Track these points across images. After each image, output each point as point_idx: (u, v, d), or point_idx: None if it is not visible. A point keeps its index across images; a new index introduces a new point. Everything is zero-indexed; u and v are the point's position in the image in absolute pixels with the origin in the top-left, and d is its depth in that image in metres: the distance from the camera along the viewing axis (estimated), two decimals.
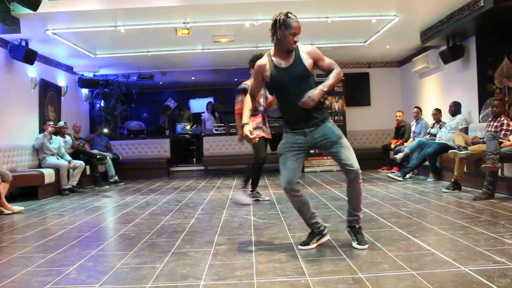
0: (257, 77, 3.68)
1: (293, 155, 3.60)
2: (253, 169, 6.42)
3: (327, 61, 3.64)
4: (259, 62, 3.64)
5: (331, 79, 3.54)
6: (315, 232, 3.73)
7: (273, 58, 3.58)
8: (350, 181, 3.59)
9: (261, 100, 6.28)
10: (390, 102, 12.26)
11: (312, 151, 3.52)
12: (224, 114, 14.80)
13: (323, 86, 3.48)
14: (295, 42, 3.46)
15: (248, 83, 6.19)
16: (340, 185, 8.11)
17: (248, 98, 3.78)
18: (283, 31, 3.42)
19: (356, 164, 3.55)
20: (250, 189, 6.43)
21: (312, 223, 3.73)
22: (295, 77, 3.53)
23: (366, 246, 3.57)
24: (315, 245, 3.68)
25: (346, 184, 3.66)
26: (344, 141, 3.61)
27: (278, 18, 3.45)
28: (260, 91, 3.78)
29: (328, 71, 3.62)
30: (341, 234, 4.15)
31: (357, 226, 3.68)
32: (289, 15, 3.46)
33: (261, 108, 6.28)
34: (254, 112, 6.09)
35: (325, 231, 3.77)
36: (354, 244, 3.62)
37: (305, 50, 3.58)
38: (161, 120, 14.54)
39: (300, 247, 3.66)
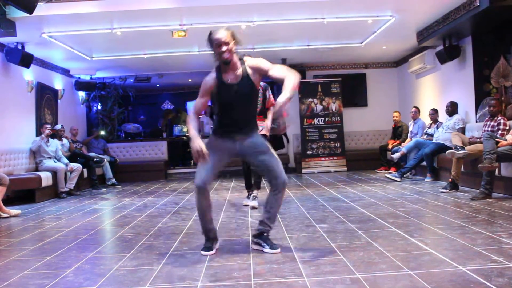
0: (204, 93, 3.60)
1: (216, 157, 3.55)
2: (243, 169, 6.45)
3: (277, 70, 3.45)
4: (206, 78, 3.59)
5: (289, 91, 3.22)
6: (212, 238, 3.75)
7: (222, 73, 3.53)
8: (275, 190, 3.58)
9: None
10: (387, 102, 12.27)
11: (233, 158, 3.37)
12: None
13: (286, 98, 3.19)
14: (223, 52, 3.42)
15: None
16: (337, 185, 8.11)
17: (193, 116, 3.64)
18: (212, 48, 3.48)
19: (284, 174, 3.56)
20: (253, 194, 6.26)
21: (210, 228, 3.73)
22: (242, 95, 3.51)
23: (279, 249, 3.60)
24: (215, 250, 3.70)
25: (269, 193, 3.64)
26: (273, 152, 3.63)
27: (206, 40, 3.52)
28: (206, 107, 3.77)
29: (282, 80, 3.36)
30: (339, 234, 4.15)
31: (266, 234, 3.69)
32: (212, 31, 3.49)
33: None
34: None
35: (217, 236, 3.83)
36: (267, 250, 3.61)
37: (250, 64, 3.53)
38: (159, 123, 14.52)
39: (203, 252, 3.65)
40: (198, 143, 3.41)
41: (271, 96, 6.19)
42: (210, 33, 3.48)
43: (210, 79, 3.56)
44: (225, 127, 3.61)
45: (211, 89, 3.55)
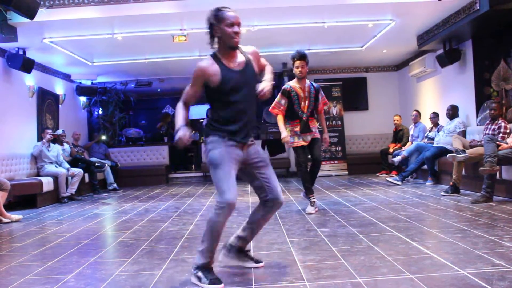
0: (198, 82, 3.13)
1: (234, 169, 3.10)
2: (299, 175, 6.18)
3: (263, 59, 3.36)
4: (202, 64, 3.09)
5: (269, 74, 3.31)
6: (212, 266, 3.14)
7: (223, 61, 3.08)
8: (268, 210, 3.24)
9: (306, 104, 5.84)
10: (388, 106, 12.28)
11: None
12: None
13: (269, 81, 3.22)
14: (237, 33, 3.01)
15: (291, 85, 5.86)
16: (338, 189, 8.10)
17: (182, 105, 3.24)
18: (219, 26, 3.00)
19: (282, 195, 3.25)
20: (306, 196, 6.01)
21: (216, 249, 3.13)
22: (249, 82, 3.13)
23: (263, 263, 3.40)
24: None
25: (259, 211, 3.29)
26: (271, 166, 3.31)
27: (210, 16, 3.05)
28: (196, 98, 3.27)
29: (263, 69, 3.34)
30: (340, 238, 4.15)
31: (246, 250, 3.44)
32: (221, 8, 3.04)
33: (304, 116, 5.82)
34: (295, 117, 5.81)
35: None
36: (251, 264, 3.36)
37: (249, 52, 3.21)
38: (157, 125, 14.50)
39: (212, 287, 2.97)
40: (185, 132, 2.99)
41: (324, 97, 6.05)
42: (219, 9, 3.03)
43: (209, 65, 3.06)
44: (235, 135, 3.09)
45: (210, 77, 3.04)
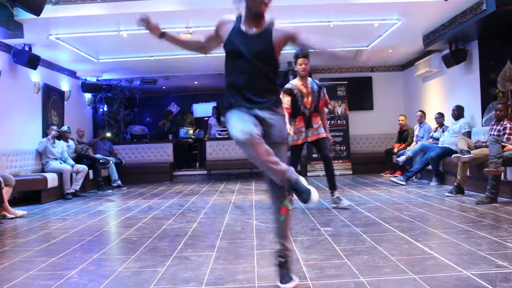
0: (213, 31, 3.04)
1: (249, 117, 2.78)
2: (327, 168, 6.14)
3: (307, 36, 2.93)
4: (224, 17, 3.01)
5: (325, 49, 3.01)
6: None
7: (242, 23, 2.91)
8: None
9: (309, 100, 5.96)
10: (393, 106, 12.24)
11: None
12: None
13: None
14: (264, 3, 2.81)
15: (293, 83, 5.98)
16: (343, 189, 8.09)
17: (195, 38, 3.19)
18: None
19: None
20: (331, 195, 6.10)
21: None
22: (256, 52, 2.83)
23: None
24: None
25: None
26: (285, 151, 3.01)
27: None
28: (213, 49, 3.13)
29: (310, 46, 3.04)
30: (343, 238, 4.15)
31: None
32: None
33: (307, 112, 5.95)
34: (298, 113, 5.95)
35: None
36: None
37: (277, 27, 2.92)
38: (159, 122, 14.52)
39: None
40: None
41: (326, 95, 6.17)
42: None
43: (227, 21, 2.96)
44: (235, 89, 2.88)
45: (220, 32, 2.97)
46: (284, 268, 2.92)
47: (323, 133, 6.03)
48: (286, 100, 5.86)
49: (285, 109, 5.79)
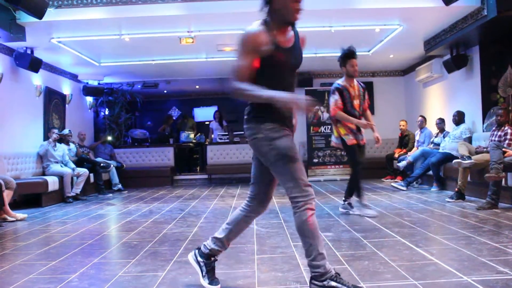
0: (252, 51, 2.54)
1: None
2: (351, 176, 5.95)
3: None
4: (252, 30, 2.58)
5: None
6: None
7: (273, 32, 2.59)
8: (254, 210, 3.05)
9: (357, 102, 5.76)
10: (394, 111, 12.25)
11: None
12: (230, 123, 14.66)
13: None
14: (299, 10, 2.58)
15: (341, 83, 5.70)
16: (343, 194, 8.04)
17: (244, 84, 2.52)
18: None
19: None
20: (343, 199, 6.03)
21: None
22: (294, 65, 2.73)
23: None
24: None
25: (243, 211, 3.11)
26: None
27: None
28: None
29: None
30: (344, 243, 4.14)
31: (214, 258, 3.10)
32: None
33: (357, 115, 5.76)
34: (348, 114, 5.69)
35: None
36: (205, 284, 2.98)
37: (299, 32, 2.79)
38: (160, 127, 14.52)
39: None
40: (292, 95, 2.49)
41: (367, 96, 5.95)
42: None
43: (261, 33, 2.55)
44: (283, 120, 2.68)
45: (263, 46, 2.53)
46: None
47: (365, 139, 5.92)
48: (338, 98, 5.66)
49: (337, 108, 5.67)
